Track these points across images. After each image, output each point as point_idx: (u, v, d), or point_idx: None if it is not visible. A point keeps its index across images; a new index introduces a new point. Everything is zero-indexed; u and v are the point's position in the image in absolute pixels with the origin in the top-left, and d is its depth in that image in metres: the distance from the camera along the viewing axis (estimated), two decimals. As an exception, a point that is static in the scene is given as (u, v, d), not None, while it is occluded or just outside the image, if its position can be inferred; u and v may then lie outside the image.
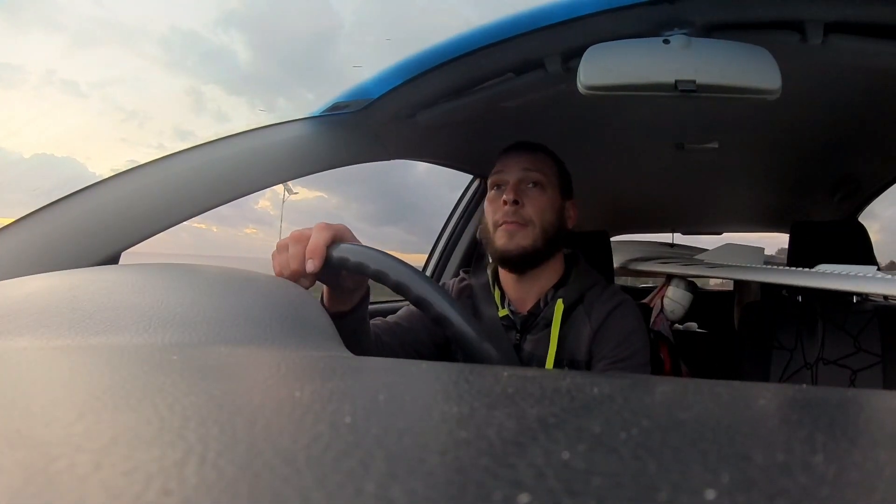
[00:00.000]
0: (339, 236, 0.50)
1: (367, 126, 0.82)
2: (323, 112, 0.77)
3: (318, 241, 0.48)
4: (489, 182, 0.82)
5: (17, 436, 0.13)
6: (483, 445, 0.13)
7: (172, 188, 0.60)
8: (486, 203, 0.82)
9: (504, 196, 0.76)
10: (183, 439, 0.13)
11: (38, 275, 0.37)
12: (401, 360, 0.25)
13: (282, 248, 0.51)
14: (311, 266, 0.48)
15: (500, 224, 0.77)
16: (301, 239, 0.49)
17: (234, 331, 0.29)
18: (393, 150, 0.92)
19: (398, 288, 0.45)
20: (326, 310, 0.55)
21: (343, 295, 0.56)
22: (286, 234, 0.52)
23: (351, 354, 0.32)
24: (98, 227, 0.55)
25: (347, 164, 0.82)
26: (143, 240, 0.58)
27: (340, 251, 0.48)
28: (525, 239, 0.76)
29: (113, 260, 0.56)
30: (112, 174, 0.59)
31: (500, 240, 0.77)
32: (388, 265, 0.45)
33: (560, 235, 0.80)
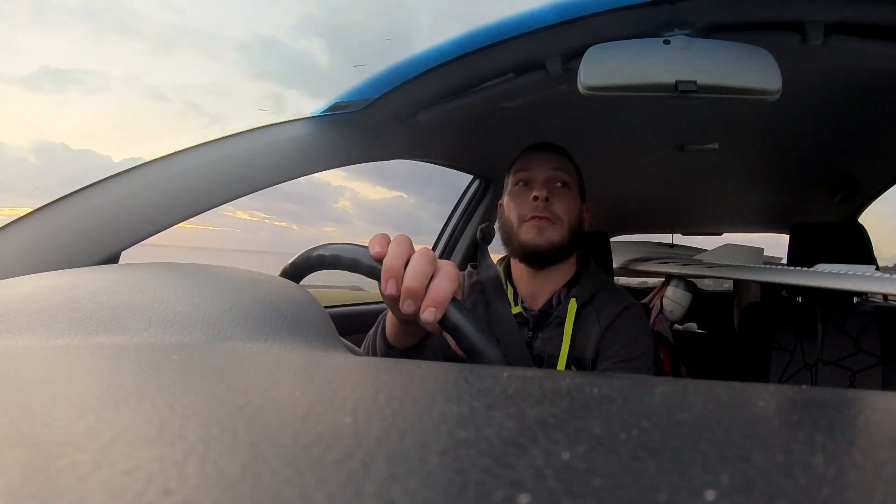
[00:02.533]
0: (456, 292, 0.40)
1: (367, 126, 0.82)
2: (323, 112, 0.77)
3: (447, 290, 0.38)
4: (512, 179, 0.83)
5: (17, 435, 0.13)
6: (483, 446, 0.13)
7: (173, 188, 0.60)
8: (508, 199, 0.83)
9: (535, 192, 0.77)
10: (183, 439, 0.13)
11: (38, 274, 0.37)
12: (400, 360, 0.25)
13: (395, 252, 0.39)
14: (431, 316, 0.37)
15: (527, 219, 0.78)
16: (430, 260, 0.39)
17: (234, 330, 0.29)
18: (393, 150, 0.92)
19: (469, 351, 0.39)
20: (393, 347, 0.52)
21: (417, 328, 0.50)
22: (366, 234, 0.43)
23: (351, 355, 0.32)
24: (98, 226, 0.55)
25: (347, 164, 0.82)
26: (143, 239, 0.58)
27: (455, 317, 0.39)
28: (555, 234, 0.78)
29: (113, 259, 0.56)
30: (112, 174, 0.59)
31: (528, 234, 0.78)
32: (484, 345, 0.39)
33: (582, 235, 0.82)
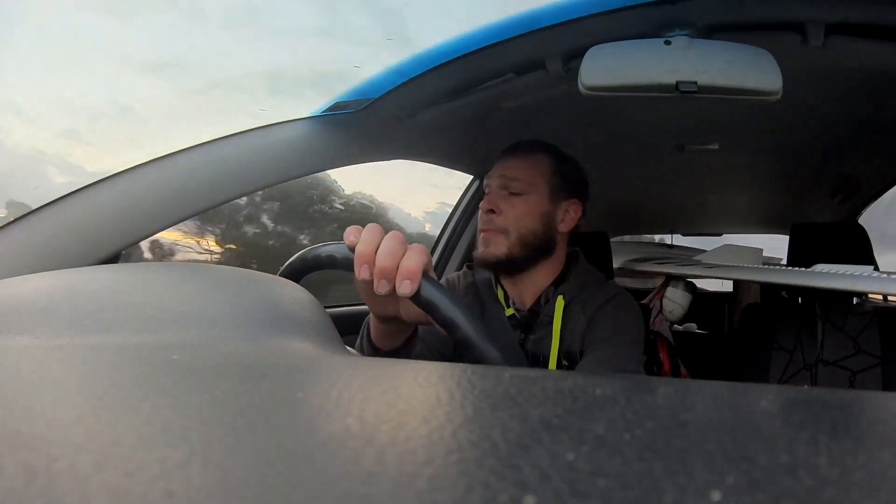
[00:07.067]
0: (427, 267, 0.41)
1: (367, 126, 0.81)
2: (323, 112, 0.77)
3: (417, 262, 0.39)
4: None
5: (18, 436, 0.13)
6: (488, 447, 0.13)
7: (173, 187, 0.60)
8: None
9: (482, 204, 0.79)
10: (184, 440, 0.13)
11: (38, 273, 0.37)
12: (403, 361, 0.25)
13: (366, 238, 0.40)
14: (407, 288, 0.38)
15: (480, 231, 0.80)
16: (401, 240, 0.40)
17: (235, 330, 0.29)
18: (393, 150, 0.92)
19: (463, 342, 0.40)
20: (378, 349, 0.52)
21: (399, 327, 0.51)
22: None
23: (351, 355, 0.31)
24: (98, 225, 0.55)
25: (347, 164, 0.82)
26: (143, 238, 0.58)
27: (429, 292, 0.39)
28: (498, 248, 0.78)
29: (113, 259, 0.56)
30: (112, 173, 0.59)
31: (480, 247, 0.80)
32: (459, 316, 0.39)
33: (549, 239, 0.80)
